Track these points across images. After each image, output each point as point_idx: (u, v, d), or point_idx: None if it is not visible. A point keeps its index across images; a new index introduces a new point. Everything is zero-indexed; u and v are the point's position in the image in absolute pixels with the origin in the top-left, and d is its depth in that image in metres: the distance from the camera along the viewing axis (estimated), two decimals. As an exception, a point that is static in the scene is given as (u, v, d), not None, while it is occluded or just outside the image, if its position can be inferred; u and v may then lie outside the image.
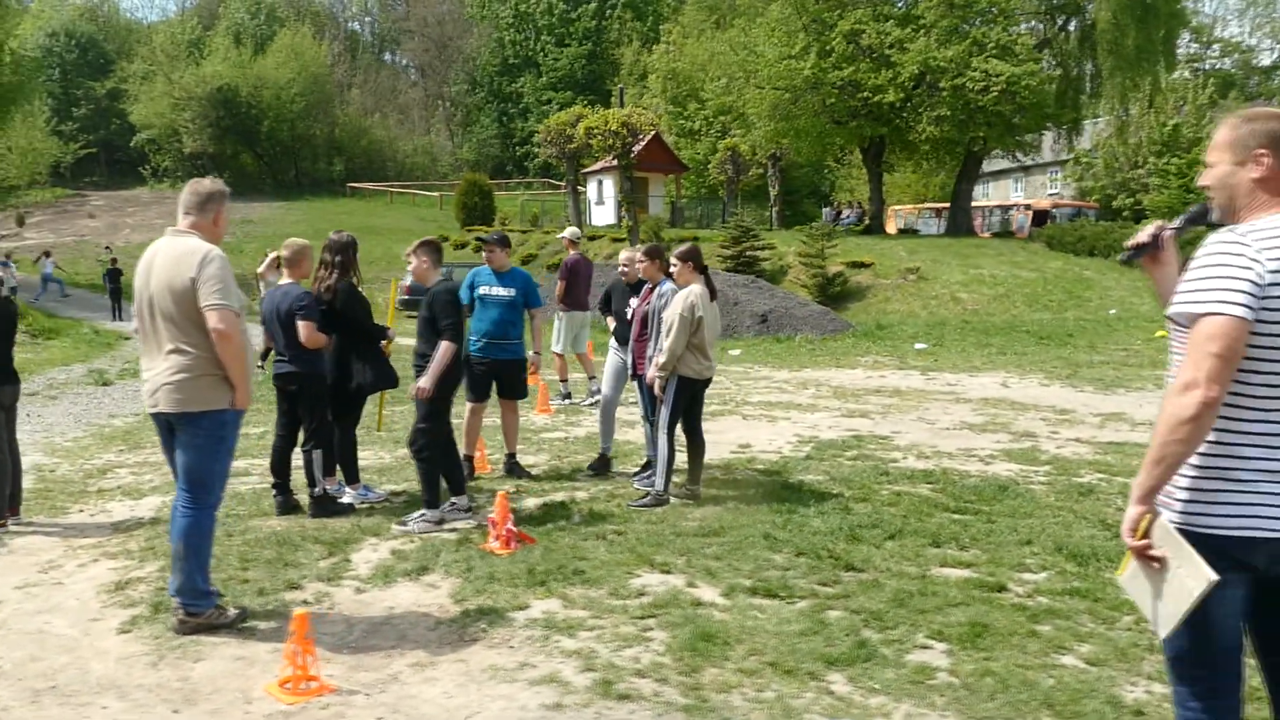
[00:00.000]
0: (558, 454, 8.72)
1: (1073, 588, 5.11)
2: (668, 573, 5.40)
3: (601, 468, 7.89)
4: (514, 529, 5.84)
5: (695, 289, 6.82)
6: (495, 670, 4.20)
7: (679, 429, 7.06)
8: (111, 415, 11.13)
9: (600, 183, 40.66)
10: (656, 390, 6.89)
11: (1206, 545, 2.45)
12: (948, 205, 44.21)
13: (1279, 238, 2.41)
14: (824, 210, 40.65)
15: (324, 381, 6.58)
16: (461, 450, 7.62)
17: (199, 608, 4.59)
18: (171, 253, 4.54)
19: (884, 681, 4.02)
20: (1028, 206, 38.32)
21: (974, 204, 40.72)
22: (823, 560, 5.54)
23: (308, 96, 63.24)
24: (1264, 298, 2.36)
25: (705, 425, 10.09)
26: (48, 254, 32.41)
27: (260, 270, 9.91)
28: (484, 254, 7.78)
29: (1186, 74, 52.23)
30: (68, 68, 72.82)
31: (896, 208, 44.84)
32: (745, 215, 39.29)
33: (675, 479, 7.15)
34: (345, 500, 6.84)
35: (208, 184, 4.74)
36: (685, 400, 6.91)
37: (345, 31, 79.81)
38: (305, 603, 5.02)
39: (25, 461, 8.27)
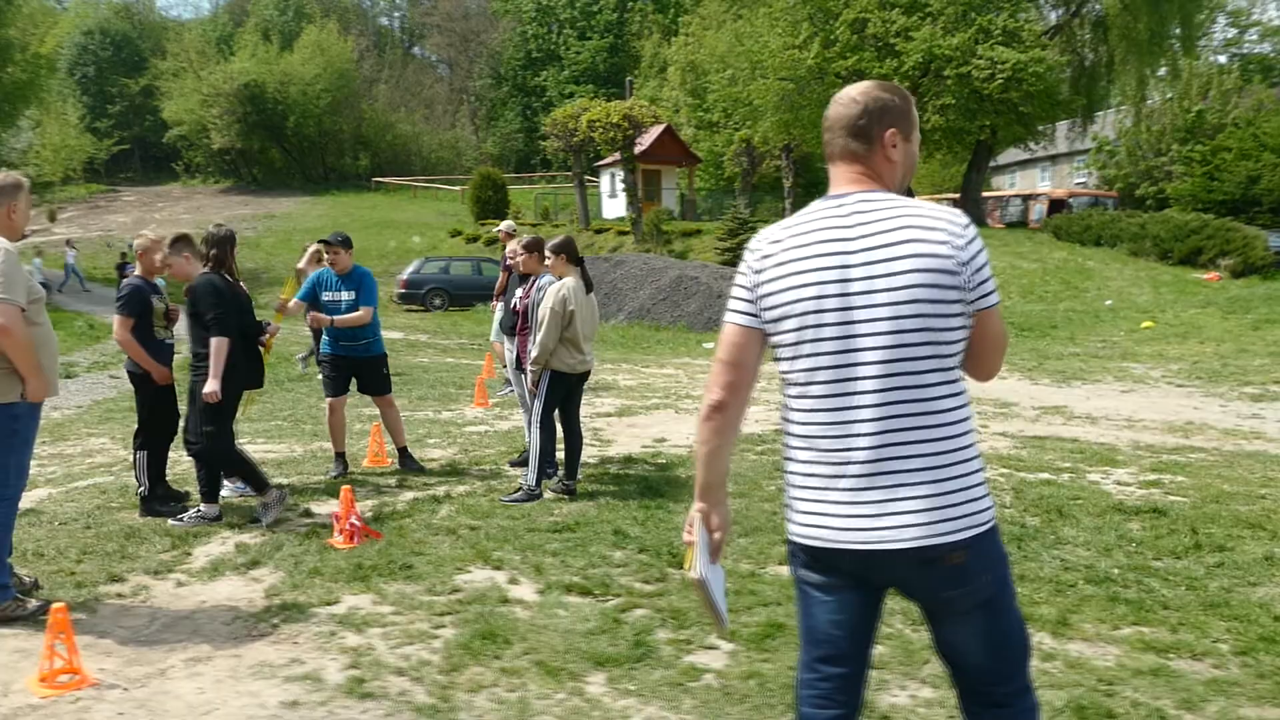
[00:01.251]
0: (466, 448, 8.65)
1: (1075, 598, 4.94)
2: (498, 569, 5.32)
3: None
4: (357, 523, 5.79)
5: (568, 282, 6.72)
6: (262, 667, 4.14)
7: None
8: (55, 407, 11.22)
9: (613, 175, 40.56)
10: (528, 384, 6.82)
11: (796, 550, 2.40)
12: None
13: (776, 237, 2.33)
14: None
15: (147, 381, 6.48)
16: (333, 447, 7.60)
17: (-7, 600, 4.58)
18: None
19: (645, 683, 3.91)
20: (1044, 196, 37.63)
21: (995, 193, 40.17)
22: (659, 558, 5.44)
23: (333, 92, 63.77)
24: (758, 298, 2.29)
25: (638, 418, 10.09)
26: (70, 244, 33.11)
27: (300, 265, 9.84)
28: (327, 256, 7.65)
29: (1223, 59, 51.16)
30: (103, 65, 73.94)
31: (920, 198, 44.26)
32: (761, 207, 39.09)
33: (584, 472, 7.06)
34: (224, 492, 6.81)
35: None
36: (559, 395, 6.81)
37: (373, 26, 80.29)
38: (120, 595, 5.00)
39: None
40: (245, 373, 6.68)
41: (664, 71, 54.94)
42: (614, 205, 40.65)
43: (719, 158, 45.53)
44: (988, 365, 2.33)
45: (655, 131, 39.53)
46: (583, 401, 7.29)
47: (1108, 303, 20.52)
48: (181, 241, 6.43)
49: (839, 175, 2.35)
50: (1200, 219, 25.45)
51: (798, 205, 40.70)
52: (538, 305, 6.88)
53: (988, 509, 2.25)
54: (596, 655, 4.14)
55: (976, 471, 2.24)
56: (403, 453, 7.78)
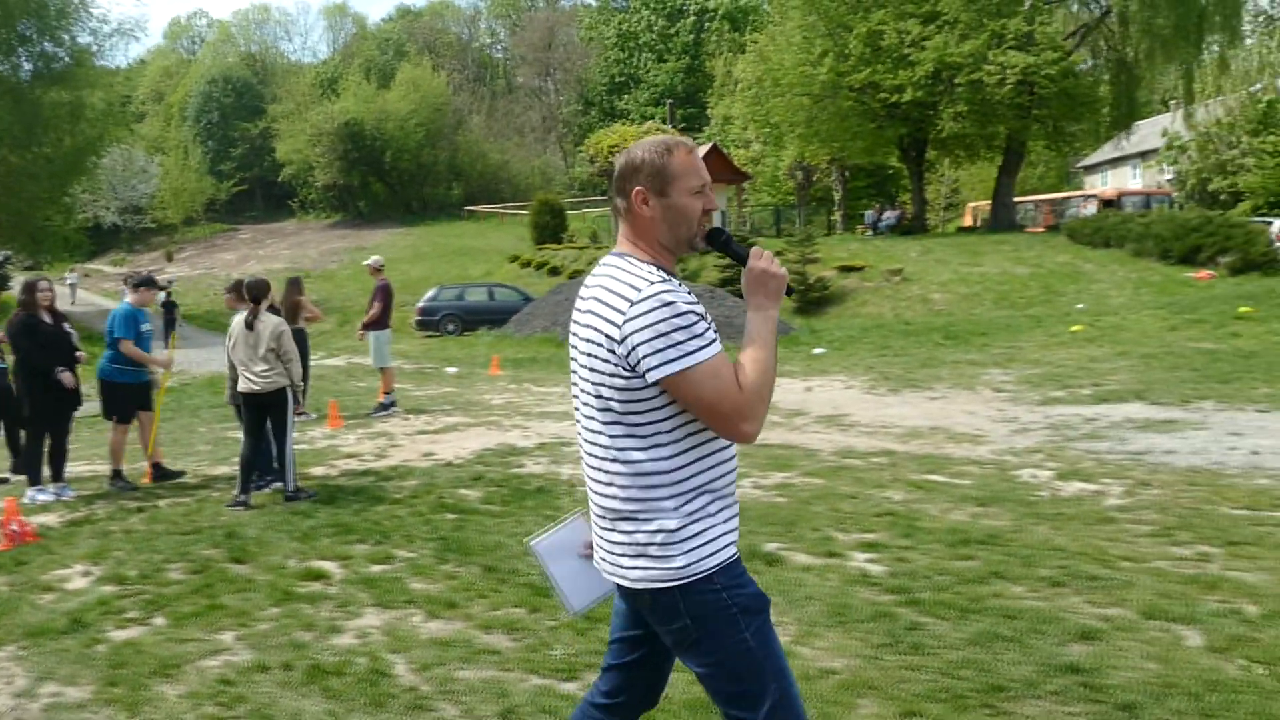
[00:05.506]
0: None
1: (465, 583, 5.68)
2: (73, 562, 6.35)
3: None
4: (17, 529, 6.93)
5: (235, 318, 7.81)
6: None
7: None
8: None
9: (663, 196, 41.44)
10: None
11: None
12: (1038, 198, 42.79)
13: None
14: (866, 214, 40.21)
15: None
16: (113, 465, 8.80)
17: None
18: None
19: (40, 646, 4.87)
20: (1095, 197, 36.67)
21: (1034, 197, 39.50)
22: (218, 557, 6.38)
23: (427, 126, 66.92)
24: None
25: (452, 434, 11.02)
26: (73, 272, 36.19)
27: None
28: (143, 293, 8.90)
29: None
30: (226, 111, 79.23)
31: (974, 204, 43.70)
32: (816, 220, 39.30)
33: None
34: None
35: None
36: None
37: (474, 58, 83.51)
38: None
39: None
40: (45, 403, 8.11)
41: (736, 89, 55.63)
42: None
43: (779, 174, 45.92)
44: (716, 429, 2.29)
45: (701, 151, 40.36)
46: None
47: (1079, 306, 20.29)
48: None
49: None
50: (1203, 216, 24.64)
51: (847, 216, 40.84)
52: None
53: (671, 567, 2.30)
54: (33, 627, 5.14)
55: (662, 528, 2.30)
56: (156, 466, 8.95)
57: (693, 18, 64.38)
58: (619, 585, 2.42)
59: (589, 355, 2.33)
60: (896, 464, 8.14)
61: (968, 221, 41.98)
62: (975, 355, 15.13)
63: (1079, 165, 58.31)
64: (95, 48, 32.91)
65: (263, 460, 8.23)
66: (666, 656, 2.61)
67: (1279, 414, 9.34)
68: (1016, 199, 42.09)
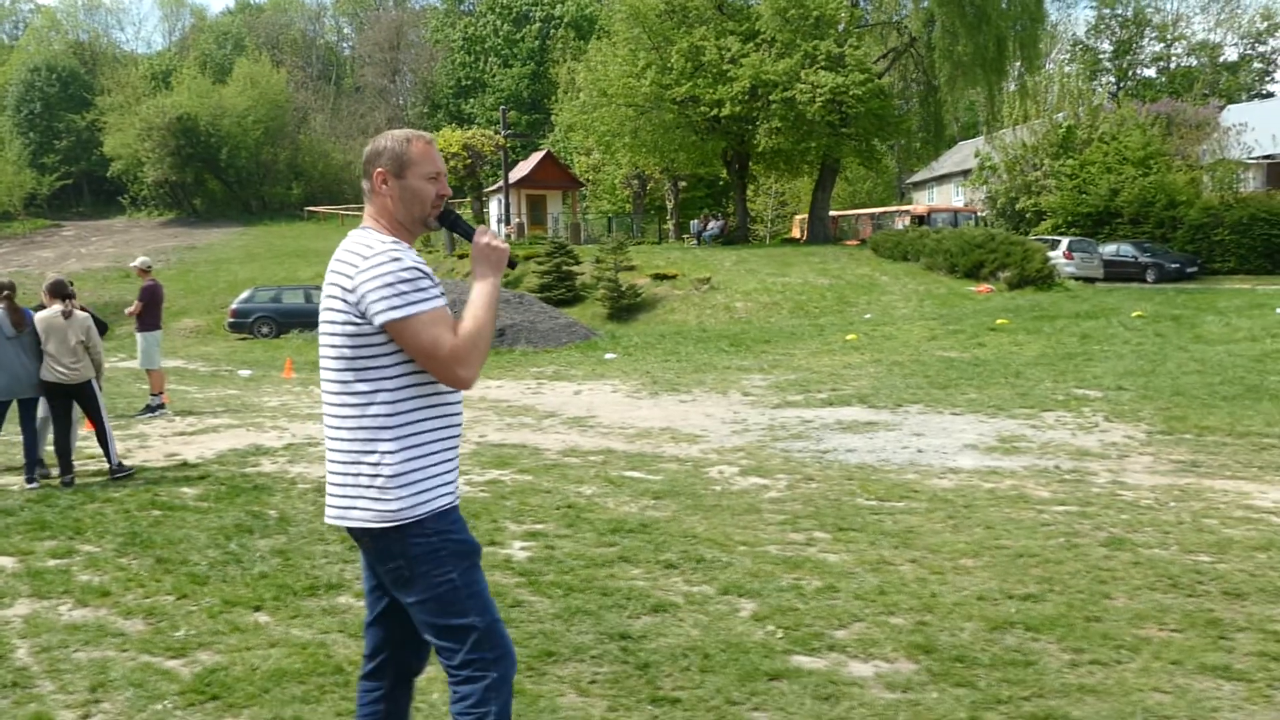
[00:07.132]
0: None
1: (132, 574, 5.80)
2: None
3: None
4: None
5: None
6: None
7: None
8: None
9: (499, 201, 41.70)
10: None
11: None
12: (861, 212, 44.77)
13: None
14: (692, 224, 41.51)
15: None
16: None
17: None
18: None
19: None
20: (908, 212, 38.72)
21: (856, 211, 41.37)
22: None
23: (266, 123, 65.31)
24: None
25: (219, 434, 11.07)
26: None
27: None
28: None
29: (1113, 79, 52.19)
30: (50, 101, 75.28)
31: (801, 216, 45.45)
32: (650, 229, 39.93)
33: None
34: None
35: None
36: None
37: (319, 56, 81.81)
38: None
39: None
40: None
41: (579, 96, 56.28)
42: (500, 230, 41.73)
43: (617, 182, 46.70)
44: (436, 375, 2.59)
45: (535, 158, 40.89)
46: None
47: (867, 316, 21.53)
48: None
49: None
50: (987, 233, 26.45)
51: (679, 225, 41.84)
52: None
53: (387, 509, 2.59)
54: None
55: (381, 471, 2.60)
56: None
57: (538, 24, 64.79)
58: (347, 528, 2.68)
59: (329, 310, 2.64)
60: (607, 462, 8.67)
61: (795, 233, 43.60)
62: (748, 361, 15.94)
63: (909, 182, 61.23)
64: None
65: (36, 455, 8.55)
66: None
67: (969, 416, 10.31)
68: (843, 212, 44.03)
